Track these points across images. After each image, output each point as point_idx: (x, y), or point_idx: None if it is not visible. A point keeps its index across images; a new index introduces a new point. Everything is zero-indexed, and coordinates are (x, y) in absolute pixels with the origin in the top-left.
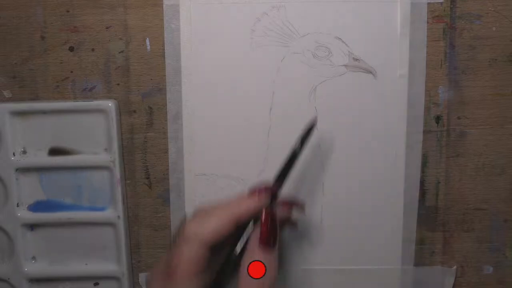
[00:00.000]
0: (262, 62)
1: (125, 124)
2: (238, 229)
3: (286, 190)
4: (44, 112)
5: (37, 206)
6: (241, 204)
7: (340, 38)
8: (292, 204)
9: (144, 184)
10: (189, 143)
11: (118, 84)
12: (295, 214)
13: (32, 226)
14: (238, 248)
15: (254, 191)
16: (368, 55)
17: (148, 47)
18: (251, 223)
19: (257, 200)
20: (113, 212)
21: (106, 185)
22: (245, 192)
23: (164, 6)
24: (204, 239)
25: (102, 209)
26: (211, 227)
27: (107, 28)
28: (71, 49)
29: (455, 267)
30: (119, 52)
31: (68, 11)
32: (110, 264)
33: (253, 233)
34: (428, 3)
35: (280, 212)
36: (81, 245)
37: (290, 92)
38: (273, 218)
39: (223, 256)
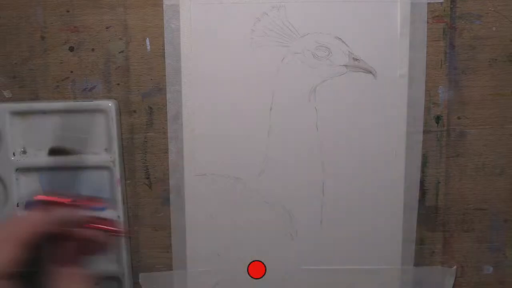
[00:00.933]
0: (262, 62)
1: (125, 124)
2: (36, 248)
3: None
4: (44, 112)
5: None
6: (21, 224)
7: (340, 38)
8: (100, 224)
9: (144, 184)
10: (189, 143)
11: (118, 84)
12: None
13: None
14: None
15: (33, 206)
16: (368, 55)
17: (148, 47)
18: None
19: (41, 215)
20: (113, 212)
21: (106, 185)
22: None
23: (164, 6)
24: None
25: (102, 209)
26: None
27: (107, 28)
28: (71, 49)
29: (455, 267)
30: (119, 52)
31: (68, 11)
32: (110, 264)
33: (54, 251)
34: (428, 3)
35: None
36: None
37: (290, 92)
38: (67, 236)
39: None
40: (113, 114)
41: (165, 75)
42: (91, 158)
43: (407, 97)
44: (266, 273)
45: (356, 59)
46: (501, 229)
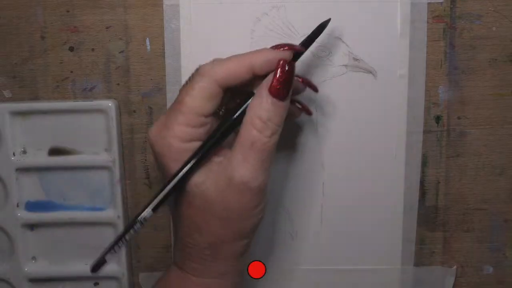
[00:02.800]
0: None
1: (125, 124)
2: (255, 79)
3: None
4: (44, 112)
5: (37, 206)
6: (260, 52)
7: (340, 38)
8: (306, 81)
9: (144, 184)
10: None
11: (118, 84)
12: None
13: (32, 226)
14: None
15: (277, 46)
16: (368, 55)
17: (148, 47)
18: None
19: (277, 51)
20: (113, 212)
21: (106, 185)
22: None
23: (164, 6)
24: (216, 76)
25: (102, 209)
26: (225, 66)
27: (107, 28)
28: (71, 49)
29: (455, 267)
30: (119, 52)
31: (68, 11)
32: (110, 264)
33: (265, 79)
34: (428, 3)
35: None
36: (81, 245)
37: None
38: (290, 70)
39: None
40: (113, 114)
41: (165, 75)
42: (91, 158)
43: (407, 97)
44: (266, 273)
45: (356, 59)
46: (501, 229)
